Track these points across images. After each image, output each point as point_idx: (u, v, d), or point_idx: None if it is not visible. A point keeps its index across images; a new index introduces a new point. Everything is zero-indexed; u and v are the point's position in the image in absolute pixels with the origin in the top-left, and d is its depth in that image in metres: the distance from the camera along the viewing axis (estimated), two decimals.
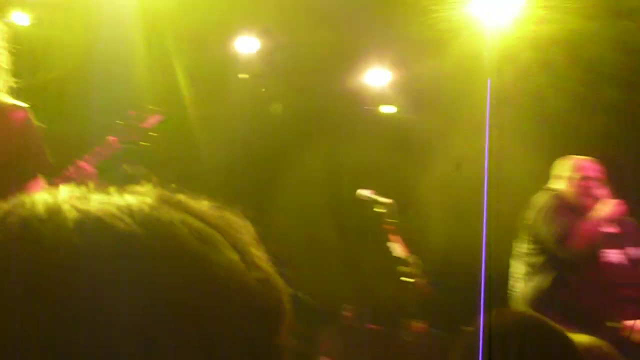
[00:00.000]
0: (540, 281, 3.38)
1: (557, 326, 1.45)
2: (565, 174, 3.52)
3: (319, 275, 5.35)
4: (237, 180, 5.63)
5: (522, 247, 3.48)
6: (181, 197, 0.52)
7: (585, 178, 3.47)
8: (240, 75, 5.95)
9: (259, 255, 0.52)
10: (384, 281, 3.70)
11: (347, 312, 5.34)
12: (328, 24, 5.13)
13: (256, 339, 0.49)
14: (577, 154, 3.62)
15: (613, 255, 3.47)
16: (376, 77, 5.83)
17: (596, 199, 3.41)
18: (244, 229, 0.53)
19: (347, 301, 5.37)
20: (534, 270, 3.42)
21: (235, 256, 0.49)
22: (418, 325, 4.02)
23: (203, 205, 0.52)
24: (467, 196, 3.51)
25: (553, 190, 3.52)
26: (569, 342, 1.41)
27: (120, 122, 3.27)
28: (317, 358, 5.10)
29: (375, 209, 3.50)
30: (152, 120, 3.31)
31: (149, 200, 0.49)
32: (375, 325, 5.06)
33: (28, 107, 2.67)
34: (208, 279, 0.47)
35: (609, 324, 3.30)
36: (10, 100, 2.57)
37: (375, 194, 3.53)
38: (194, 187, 0.57)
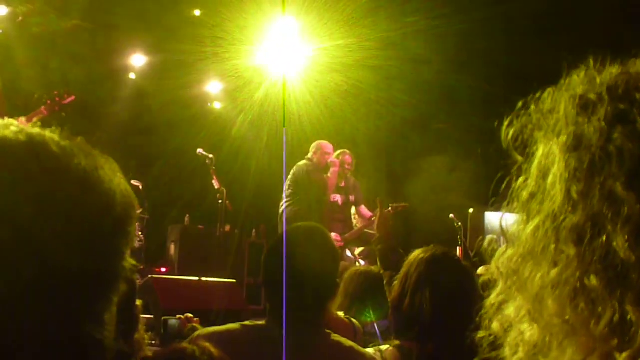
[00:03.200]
0: (296, 206, 6.23)
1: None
2: (313, 150, 6.38)
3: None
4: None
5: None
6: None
7: (325, 153, 6.34)
8: None
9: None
10: (204, 200, 6.37)
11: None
12: None
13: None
14: None
15: (337, 197, 6.44)
16: None
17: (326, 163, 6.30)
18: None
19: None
20: (290, 199, 6.25)
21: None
22: (226, 226, 6.87)
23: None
24: None
25: (308, 161, 6.35)
26: None
27: (47, 97, 5.08)
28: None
29: (207, 161, 6.12)
30: (69, 98, 5.19)
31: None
32: (200, 226, 7.82)
33: None
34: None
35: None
36: None
37: (205, 152, 6.15)
38: None
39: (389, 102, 8.52)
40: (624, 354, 0.53)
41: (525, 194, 0.65)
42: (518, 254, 0.63)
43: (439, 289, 2.01)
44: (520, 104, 0.69)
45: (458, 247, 6.55)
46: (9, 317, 0.64)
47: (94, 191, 0.73)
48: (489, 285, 0.67)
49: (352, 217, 6.68)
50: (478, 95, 8.07)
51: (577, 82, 0.65)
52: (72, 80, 7.17)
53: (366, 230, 6.32)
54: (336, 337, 1.93)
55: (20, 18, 8.04)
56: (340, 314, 2.78)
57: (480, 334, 0.66)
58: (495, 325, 0.65)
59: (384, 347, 2.05)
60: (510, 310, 0.63)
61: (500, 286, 0.65)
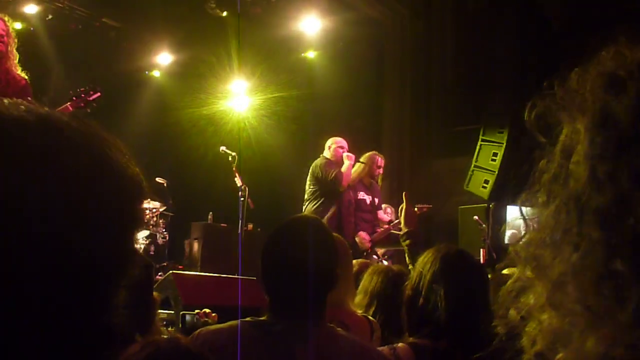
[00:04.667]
0: (316, 202, 6.22)
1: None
2: (328, 145, 6.37)
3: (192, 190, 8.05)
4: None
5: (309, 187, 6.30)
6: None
7: (338, 147, 6.32)
8: None
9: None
10: (230, 199, 6.40)
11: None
12: None
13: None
14: None
15: (360, 194, 6.41)
16: None
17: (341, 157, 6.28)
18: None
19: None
20: (311, 197, 6.24)
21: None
22: (249, 225, 6.88)
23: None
24: None
25: (324, 157, 6.34)
26: None
27: (73, 94, 5.16)
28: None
29: (229, 158, 6.12)
30: (95, 95, 5.24)
31: None
32: (224, 224, 7.85)
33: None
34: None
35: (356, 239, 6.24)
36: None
37: (227, 149, 6.16)
38: None
39: None
40: None
41: (547, 176, 0.61)
42: (538, 237, 0.59)
43: (454, 287, 1.98)
44: (545, 84, 0.65)
45: (482, 250, 6.45)
46: (15, 293, 0.63)
47: (103, 170, 0.72)
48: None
49: None
50: None
51: (606, 58, 0.61)
52: (98, 78, 7.26)
53: (392, 231, 6.28)
54: (339, 331, 1.91)
55: (50, 16, 8.16)
56: (359, 311, 2.74)
57: (496, 322, 0.63)
58: (512, 313, 0.61)
59: (397, 345, 2.02)
60: (529, 297, 0.59)
61: (518, 272, 0.62)
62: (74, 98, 4.89)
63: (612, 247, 0.53)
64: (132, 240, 0.77)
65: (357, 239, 6.25)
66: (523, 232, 0.62)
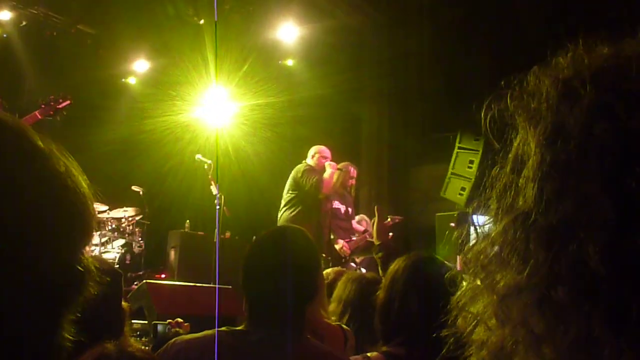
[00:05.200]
0: (294, 209, 6.20)
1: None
2: (312, 153, 6.36)
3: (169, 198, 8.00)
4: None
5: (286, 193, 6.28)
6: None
7: (322, 157, 6.32)
8: None
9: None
10: (206, 207, 6.36)
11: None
12: None
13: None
14: None
15: (335, 203, 6.41)
16: None
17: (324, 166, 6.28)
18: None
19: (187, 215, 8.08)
20: (288, 204, 6.22)
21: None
22: (226, 232, 6.84)
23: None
24: None
25: (307, 163, 6.33)
26: None
27: (42, 101, 5.07)
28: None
29: (205, 166, 6.08)
30: (64, 103, 5.17)
31: None
32: (201, 232, 7.79)
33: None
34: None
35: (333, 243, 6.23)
36: None
37: (204, 157, 6.12)
38: None
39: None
40: None
41: (499, 186, 0.59)
42: (487, 251, 0.57)
43: (426, 294, 1.97)
44: (502, 83, 0.62)
45: (458, 257, 6.47)
46: None
47: (44, 182, 0.69)
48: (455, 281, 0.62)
49: None
50: None
51: (562, 64, 0.58)
52: (73, 85, 7.19)
53: (368, 239, 6.30)
54: (315, 342, 1.88)
55: (24, 23, 8.06)
56: (333, 319, 2.72)
57: (445, 331, 0.61)
58: (460, 322, 0.60)
59: (371, 354, 2.00)
60: (477, 307, 0.58)
61: (468, 281, 0.60)
62: (43, 105, 4.82)
63: (555, 272, 0.51)
64: (79, 255, 0.75)
65: (336, 247, 6.26)
66: (473, 242, 0.60)
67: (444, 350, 0.60)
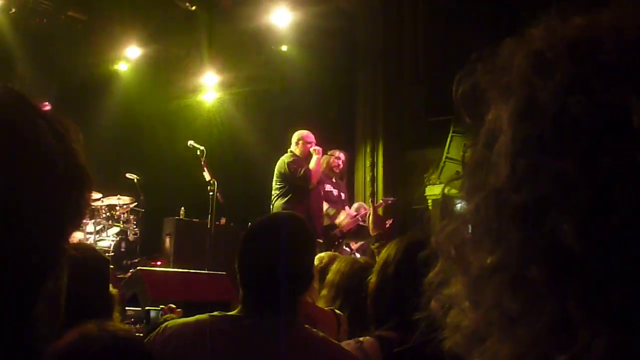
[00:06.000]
0: (285, 198, 6.19)
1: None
2: (295, 140, 6.33)
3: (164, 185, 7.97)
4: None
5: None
6: None
7: (306, 142, 6.29)
8: None
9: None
10: (201, 194, 6.35)
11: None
12: None
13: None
14: None
15: (327, 186, 6.40)
16: None
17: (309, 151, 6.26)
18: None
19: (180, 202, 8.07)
20: (279, 192, 6.20)
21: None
22: (222, 219, 6.83)
23: None
24: None
25: (291, 153, 6.30)
26: None
27: None
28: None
29: (198, 152, 6.05)
30: (43, 107, 5.28)
31: None
32: (196, 219, 7.78)
33: None
34: None
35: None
36: None
37: (196, 143, 6.09)
38: None
39: None
40: (563, 356, 0.46)
41: (472, 162, 0.57)
42: (459, 230, 0.55)
43: (419, 277, 1.95)
44: (474, 55, 0.60)
45: None
46: None
47: (30, 154, 0.69)
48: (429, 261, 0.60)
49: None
50: None
51: (536, 35, 0.55)
52: (64, 72, 7.13)
53: (362, 225, 6.29)
54: (308, 328, 1.87)
55: (13, 10, 7.98)
56: (326, 304, 2.72)
57: (418, 315, 0.59)
58: (433, 304, 0.58)
59: (363, 339, 1.99)
60: (451, 289, 0.56)
61: (440, 263, 0.58)
62: None
63: (529, 252, 0.49)
64: (66, 235, 0.73)
65: (338, 220, 6.27)
66: (442, 222, 0.58)
67: (417, 333, 0.58)
